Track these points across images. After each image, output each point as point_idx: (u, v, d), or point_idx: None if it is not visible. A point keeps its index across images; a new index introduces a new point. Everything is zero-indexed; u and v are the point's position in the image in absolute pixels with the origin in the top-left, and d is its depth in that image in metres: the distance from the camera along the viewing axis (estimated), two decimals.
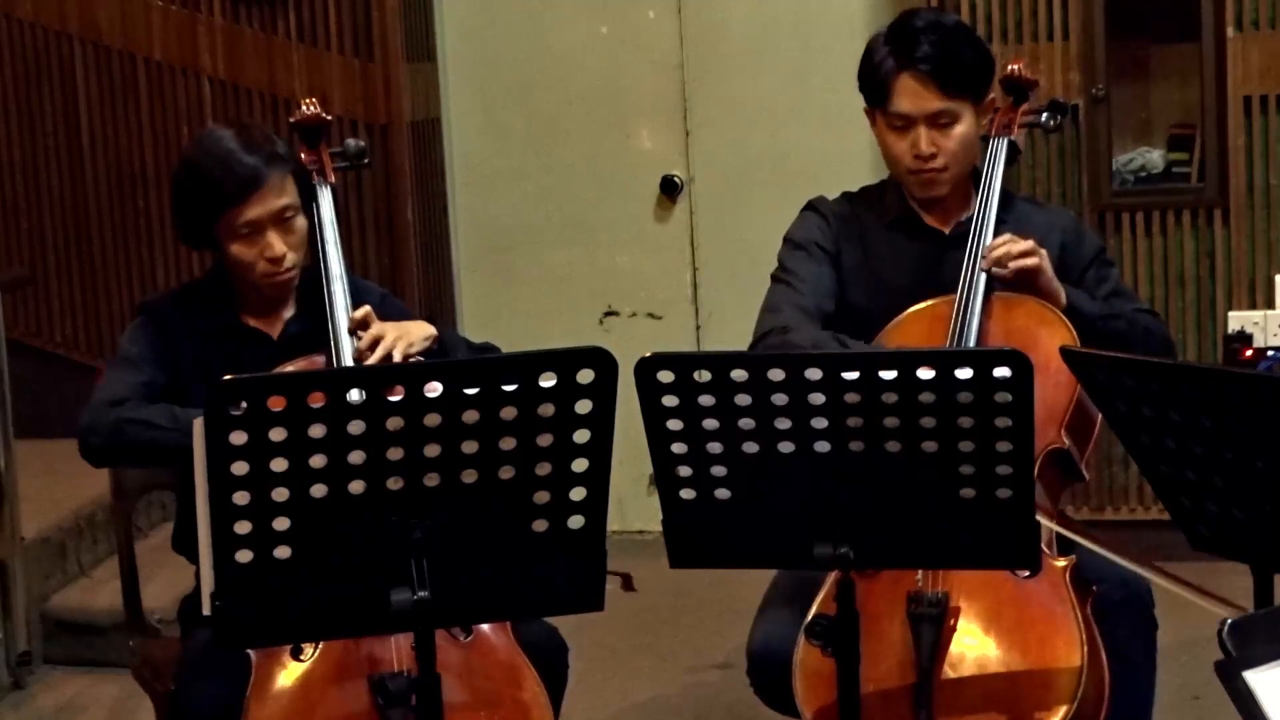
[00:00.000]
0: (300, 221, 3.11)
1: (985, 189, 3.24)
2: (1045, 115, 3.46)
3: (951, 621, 2.84)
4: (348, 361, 3.04)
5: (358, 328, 3.08)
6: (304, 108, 3.38)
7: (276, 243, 3.07)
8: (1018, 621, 2.86)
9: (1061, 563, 2.91)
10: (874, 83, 3.23)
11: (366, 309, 3.09)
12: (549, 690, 2.90)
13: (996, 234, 3.21)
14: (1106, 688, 2.82)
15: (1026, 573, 2.87)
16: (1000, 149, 3.29)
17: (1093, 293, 3.26)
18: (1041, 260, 3.13)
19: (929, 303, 3.17)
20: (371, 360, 3.01)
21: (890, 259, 3.29)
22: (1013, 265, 3.10)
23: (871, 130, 3.31)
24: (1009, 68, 3.40)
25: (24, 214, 5.65)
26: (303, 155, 3.26)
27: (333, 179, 3.30)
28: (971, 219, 3.23)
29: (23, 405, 4.79)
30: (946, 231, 3.30)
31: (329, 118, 3.39)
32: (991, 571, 2.85)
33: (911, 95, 3.18)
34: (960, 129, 3.20)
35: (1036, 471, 2.95)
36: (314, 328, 3.15)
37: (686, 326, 5.57)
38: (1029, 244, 3.14)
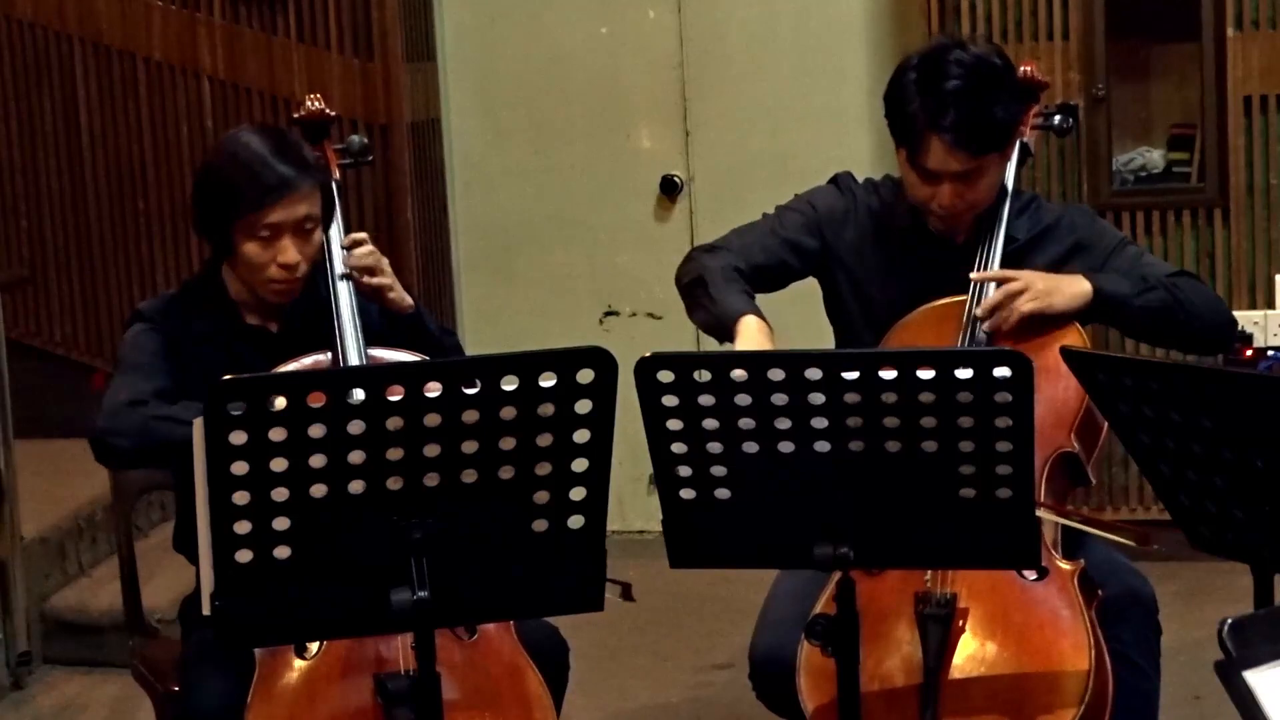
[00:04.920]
0: (318, 235, 3.12)
1: (997, 195, 3.22)
2: (1058, 117, 3.44)
3: (959, 622, 2.84)
4: (353, 359, 3.05)
5: (354, 245, 3.18)
6: (308, 103, 3.38)
7: (291, 250, 3.06)
8: (1025, 624, 2.86)
9: (1069, 566, 2.90)
10: (901, 128, 3.13)
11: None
12: (550, 690, 2.90)
13: (1006, 244, 3.18)
14: (1112, 692, 2.82)
15: (1034, 575, 2.87)
16: (1011, 152, 3.27)
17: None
18: (1041, 294, 3.07)
19: (941, 302, 3.16)
20: (354, 264, 3.13)
21: (901, 261, 3.26)
22: (1012, 320, 3.06)
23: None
24: (1020, 69, 3.38)
25: (24, 214, 5.64)
26: None
27: (337, 175, 3.30)
28: (981, 227, 3.21)
29: (23, 405, 4.78)
30: (958, 241, 3.25)
31: (333, 114, 3.40)
32: (1000, 573, 2.85)
33: (939, 156, 3.08)
34: (987, 179, 3.13)
35: (1045, 475, 2.96)
36: (315, 320, 3.15)
37: (686, 326, 5.47)
38: (1020, 282, 3.08)
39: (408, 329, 3.18)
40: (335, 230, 3.19)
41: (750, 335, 3.09)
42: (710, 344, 3.30)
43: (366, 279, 3.15)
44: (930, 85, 3.09)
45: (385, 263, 3.20)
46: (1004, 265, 3.18)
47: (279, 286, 3.10)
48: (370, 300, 3.18)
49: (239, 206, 3.04)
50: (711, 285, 3.21)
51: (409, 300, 3.21)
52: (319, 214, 3.10)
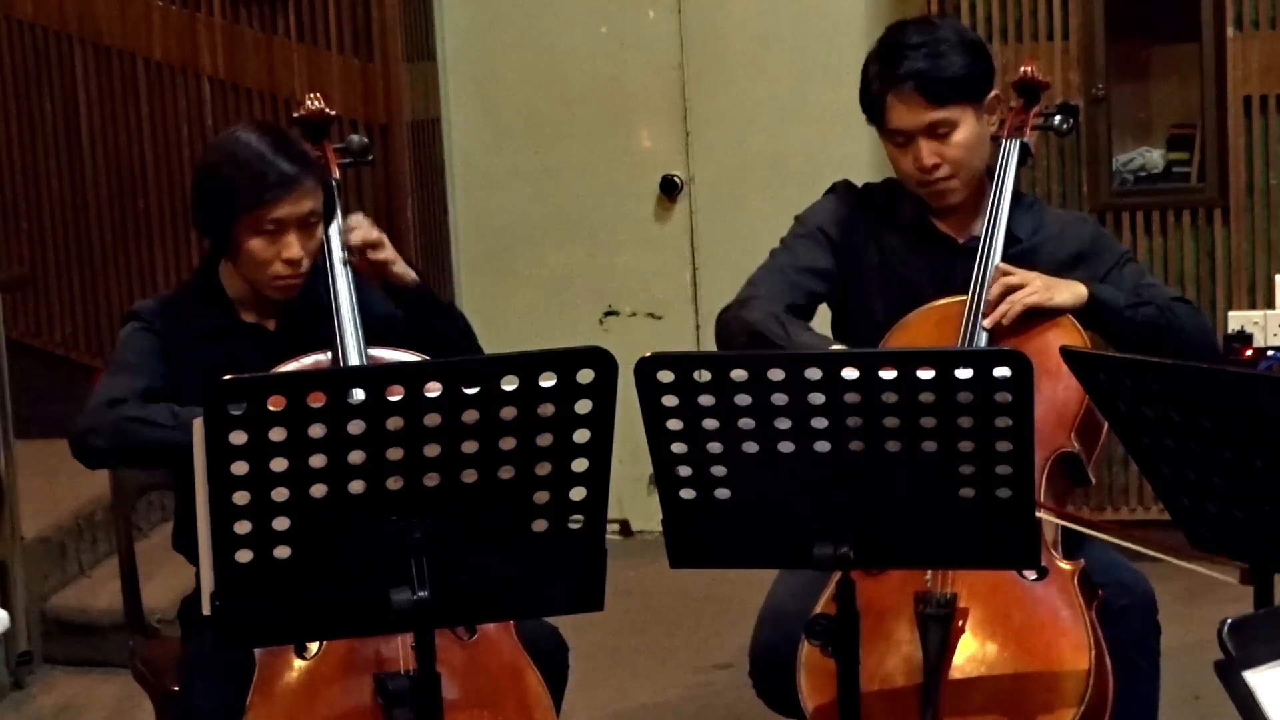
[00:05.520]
0: (320, 231, 3.12)
1: (996, 192, 3.21)
2: (1059, 117, 3.44)
3: (959, 622, 2.84)
4: (353, 359, 3.05)
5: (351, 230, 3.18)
6: (308, 103, 3.39)
7: (295, 245, 3.07)
8: (1025, 624, 2.86)
9: (1069, 566, 2.91)
10: (868, 103, 3.22)
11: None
12: (550, 690, 2.90)
13: (1009, 245, 3.19)
14: (1112, 692, 2.82)
15: (1035, 575, 2.87)
16: (1012, 151, 3.26)
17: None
18: (1040, 289, 3.08)
19: (941, 302, 3.16)
20: (354, 240, 3.14)
21: (904, 264, 3.27)
22: (1013, 313, 3.07)
23: (864, 129, 3.30)
24: (1021, 69, 3.39)
25: (24, 214, 5.65)
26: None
27: (337, 175, 3.30)
28: (983, 225, 3.21)
29: (23, 405, 4.78)
30: (960, 241, 3.26)
31: (332, 114, 3.40)
32: (1000, 573, 2.85)
33: (901, 112, 3.15)
34: (961, 135, 3.16)
35: (1045, 475, 2.96)
36: (313, 318, 3.15)
37: (686, 326, 5.57)
38: (1018, 278, 3.09)
39: (419, 301, 3.18)
40: (334, 229, 3.19)
41: None
42: (710, 344, 3.30)
43: (370, 254, 3.15)
44: (886, 51, 3.19)
45: (385, 239, 3.20)
46: None
47: (282, 282, 3.10)
48: (373, 279, 3.17)
49: (244, 202, 3.04)
50: (774, 336, 3.13)
51: (413, 275, 3.21)
52: (322, 209, 3.11)
